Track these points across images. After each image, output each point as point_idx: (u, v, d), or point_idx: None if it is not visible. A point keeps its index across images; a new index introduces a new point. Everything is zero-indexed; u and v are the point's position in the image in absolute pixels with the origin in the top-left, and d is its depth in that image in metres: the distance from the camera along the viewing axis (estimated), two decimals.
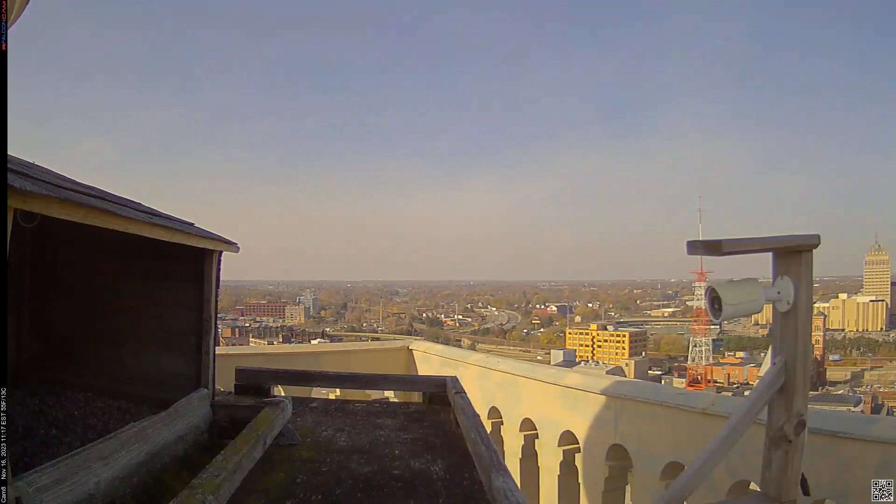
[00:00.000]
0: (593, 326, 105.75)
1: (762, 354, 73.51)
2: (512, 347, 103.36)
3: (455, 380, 4.16)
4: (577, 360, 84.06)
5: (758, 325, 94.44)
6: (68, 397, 3.32)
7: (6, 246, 1.58)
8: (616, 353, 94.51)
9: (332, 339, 77.90)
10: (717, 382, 75.22)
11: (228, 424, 3.33)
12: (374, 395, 5.42)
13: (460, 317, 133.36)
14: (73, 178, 3.08)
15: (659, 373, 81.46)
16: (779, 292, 2.10)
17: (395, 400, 5.35)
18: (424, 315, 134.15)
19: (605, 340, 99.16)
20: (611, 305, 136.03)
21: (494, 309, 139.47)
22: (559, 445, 4.72)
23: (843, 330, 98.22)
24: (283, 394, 4.42)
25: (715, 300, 2.03)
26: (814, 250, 2.10)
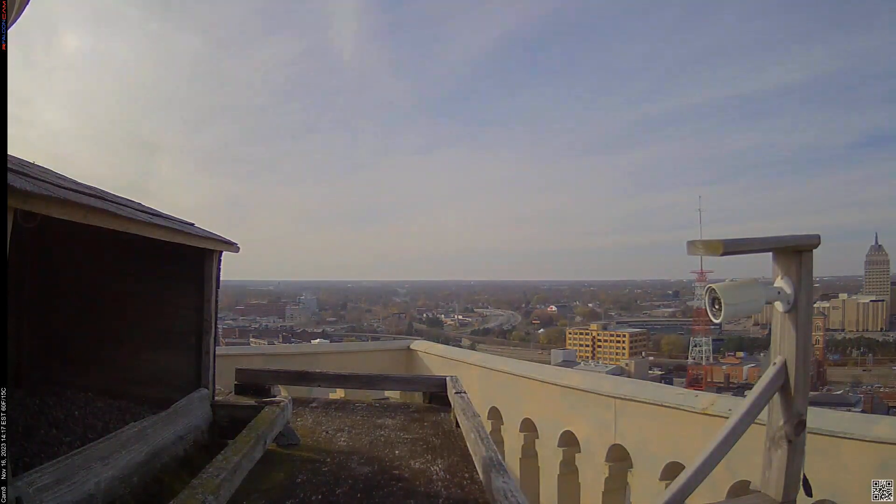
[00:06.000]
0: (594, 326, 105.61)
1: (762, 354, 73.44)
2: (512, 347, 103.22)
3: (455, 380, 4.16)
4: (577, 360, 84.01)
5: (758, 325, 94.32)
6: (68, 397, 3.31)
7: (6, 246, 1.57)
8: (616, 353, 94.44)
9: (333, 339, 77.76)
10: (717, 382, 75.11)
11: (228, 424, 3.33)
12: (375, 395, 5.42)
13: (460, 317, 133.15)
14: (72, 178, 3.08)
15: (659, 373, 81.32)
16: (779, 292, 2.10)
17: (396, 400, 5.35)
18: (424, 315, 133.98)
19: (606, 340, 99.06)
20: (611, 305, 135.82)
21: (495, 309, 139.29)
22: (559, 445, 4.72)
23: (843, 330, 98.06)
24: (283, 394, 4.42)
25: (715, 301, 2.03)
26: (814, 250, 2.09)
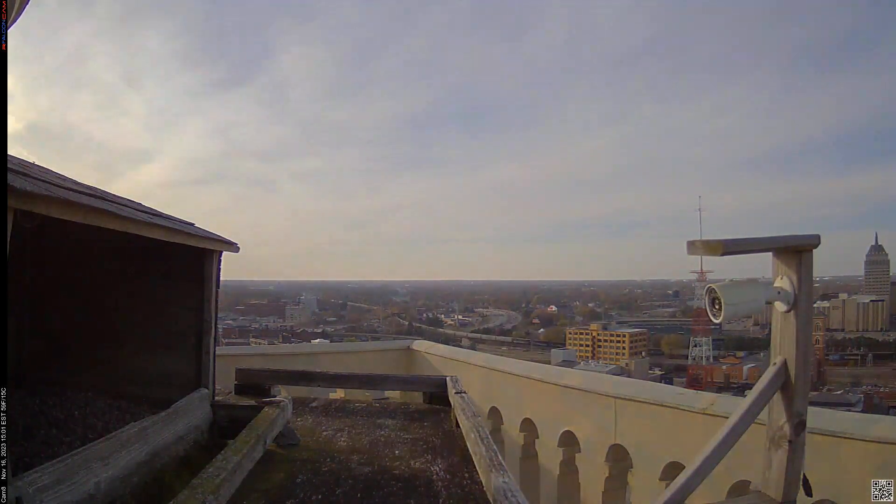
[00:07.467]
0: (594, 326, 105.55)
1: (762, 354, 73.48)
2: (512, 347, 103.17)
3: (455, 380, 4.16)
4: (577, 360, 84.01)
5: (758, 325, 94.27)
6: (68, 397, 3.32)
7: (6, 246, 1.58)
8: (616, 353, 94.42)
9: (333, 339, 77.72)
10: (717, 382, 75.09)
11: (228, 424, 3.34)
12: (375, 395, 5.42)
13: (460, 317, 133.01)
14: (73, 178, 3.08)
15: (659, 373, 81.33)
16: (779, 292, 2.10)
17: (396, 400, 5.35)
18: (424, 315, 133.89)
19: (606, 340, 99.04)
20: (611, 305, 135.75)
21: (495, 309, 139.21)
22: (559, 445, 4.71)
23: (843, 330, 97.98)
24: (283, 394, 4.42)
25: (715, 301, 2.03)
26: (814, 250, 2.09)
